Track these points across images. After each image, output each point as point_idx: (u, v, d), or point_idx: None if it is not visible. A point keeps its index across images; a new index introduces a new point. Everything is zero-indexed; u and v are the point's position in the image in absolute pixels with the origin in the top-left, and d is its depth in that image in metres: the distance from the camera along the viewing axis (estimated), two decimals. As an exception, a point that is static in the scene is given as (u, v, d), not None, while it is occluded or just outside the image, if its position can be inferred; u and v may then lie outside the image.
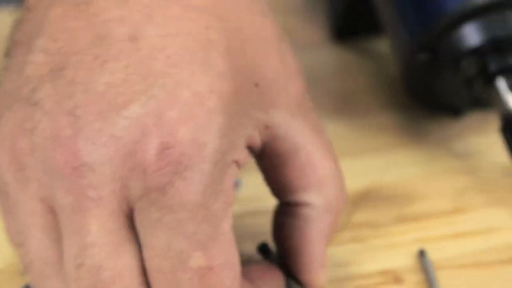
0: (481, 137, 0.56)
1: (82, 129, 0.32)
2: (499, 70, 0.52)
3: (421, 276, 0.45)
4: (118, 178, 0.32)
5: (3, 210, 0.35)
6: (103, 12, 0.33)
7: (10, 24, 0.37)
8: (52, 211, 0.33)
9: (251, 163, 0.53)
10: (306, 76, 0.58)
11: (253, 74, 0.35)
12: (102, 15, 0.33)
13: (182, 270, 0.32)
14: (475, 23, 0.52)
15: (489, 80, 0.52)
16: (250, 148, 0.36)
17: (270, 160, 0.38)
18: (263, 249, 0.42)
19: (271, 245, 0.42)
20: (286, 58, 0.38)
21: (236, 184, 0.50)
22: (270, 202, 0.49)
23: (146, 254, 0.33)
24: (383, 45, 0.62)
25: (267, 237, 0.47)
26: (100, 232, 0.32)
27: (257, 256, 0.43)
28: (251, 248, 0.46)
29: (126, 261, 0.33)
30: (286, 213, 0.39)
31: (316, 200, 0.38)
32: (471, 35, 0.52)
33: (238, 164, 0.34)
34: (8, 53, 0.35)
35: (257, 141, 0.36)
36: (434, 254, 0.46)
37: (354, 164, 0.53)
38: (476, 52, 0.52)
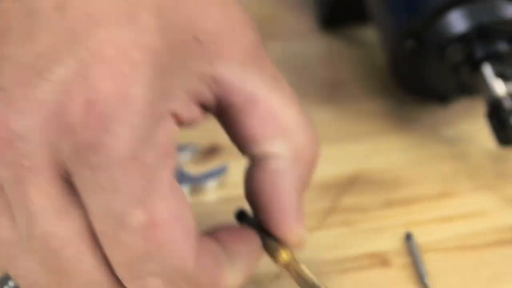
0: (468, 123, 0.56)
1: (10, 99, 0.31)
2: (485, 57, 0.52)
3: (408, 259, 0.45)
4: (48, 142, 0.31)
5: None
6: None
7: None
8: (1, 189, 0.33)
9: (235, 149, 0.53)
10: (294, 64, 0.59)
11: (190, 29, 0.34)
12: None
13: (124, 230, 0.31)
14: (461, 10, 0.52)
15: (475, 67, 0.53)
16: (203, 105, 0.35)
17: (228, 115, 0.36)
18: (240, 215, 0.41)
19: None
20: (231, 10, 0.36)
21: (222, 169, 0.50)
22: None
23: (90, 218, 0.32)
24: (370, 34, 0.62)
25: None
26: (41, 200, 0.32)
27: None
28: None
29: (73, 227, 0.32)
30: (254, 168, 0.37)
31: (281, 150, 0.36)
32: (457, 22, 0.52)
33: (178, 117, 0.33)
34: None
35: (207, 95, 0.35)
36: (421, 238, 0.47)
37: (342, 149, 0.54)
38: (462, 38, 0.53)
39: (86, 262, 0.33)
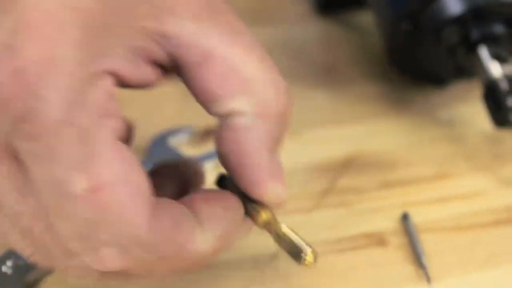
0: (464, 106, 0.57)
1: None
2: (480, 39, 0.52)
3: (404, 239, 0.46)
4: None
5: None
6: None
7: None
8: None
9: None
10: (291, 48, 0.59)
11: None
12: None
13: (68, 199, 0.30)
14: (456, -8, 0.53)
15: (471, 49, 0.53)
16: (158, 63, 0.34)
17: (186, 73, 0.34)
18: (220, 180, 0.39)
19: None
20: None
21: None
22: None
23: (39, 193, 0.31)
24: (366, 18, 0.62)
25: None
26: (2, 182, 0.31)
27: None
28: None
29: (31, 204, 0.32)
30: (221, 129, 0.35)
31: (245, 106, 0.34)
32: (453, 4, 0.53)
33: (120, 76, 0.32)
34: None
35: (159, 53, 0.33)
36: (418, 218, 0.47)
37: (339, 132, 0.54)
38: (458, 21, 0.53)
39: (48, 238, 0.32)
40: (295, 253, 0.35)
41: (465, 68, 0.55)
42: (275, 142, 0.35)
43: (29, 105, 0.29)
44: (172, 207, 0.33)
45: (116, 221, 0.31)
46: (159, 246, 0.32)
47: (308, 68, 0.60)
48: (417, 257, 0.44)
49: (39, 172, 0.30)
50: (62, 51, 0.30)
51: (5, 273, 0.41)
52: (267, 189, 0.35)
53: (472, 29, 0.52)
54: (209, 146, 0.51)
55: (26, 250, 0.33)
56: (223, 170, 0.49)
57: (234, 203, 0.36)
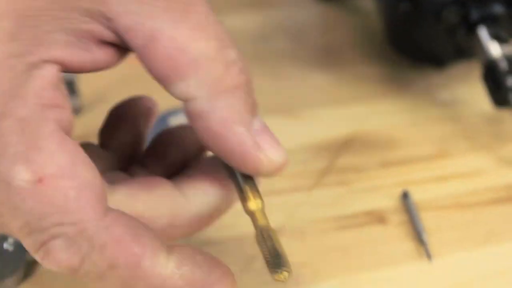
0: (464, 86, 0.57)
1: None
2: (480, 19, 0.53)
3: (404, 216, 0.46)
4: None
5: None
6: None
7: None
8: None
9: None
10: (291, 30, 0.59)
11: None
12: None
13: (13, 192, 0.30)
14: (456, -28, 0.53)
15: (471, 29, 0.53)
16: (109, 42, 0.33)
17: (139, 54, 0.33)
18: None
19: None
20: None
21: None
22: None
23: None
24: (365, 0, 0.62)
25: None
26: None
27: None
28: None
29: None
30: (186, 115, 0.34)
31: (197, 88, 0.32)
32: (453, -16, 0.53)
33: (61, 62, 0.31)
34: None
35: (105, 33, 0.32)
36: (418, 196, 0.47)
37: (338, 112, 0.54)
38: (458, 1, 0.53)
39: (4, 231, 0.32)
40: (273, 263, 0.33)
41: (464, 49, 0.55)
42: (245, 112, 0.33)
43: None
44: (132, 220, 0.32)
45: (61, 213, 0.30)
46: (108, 248, 0.31)
47: (308, 50, 0.60)
48: (417, 234, 0.44)
49: None
50: None
51: (6, 250, 0.42)
52: (258, 160, 0.34)
53: (472, 9, 0.53)
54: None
55: None
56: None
57: (216, 182, 0.36)
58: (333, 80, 0.57)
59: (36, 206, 0.30)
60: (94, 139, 0.37)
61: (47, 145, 0.30)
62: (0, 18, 0.30)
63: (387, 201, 0.47)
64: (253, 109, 0.34)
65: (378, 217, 0.46)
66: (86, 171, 0.31)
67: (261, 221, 0.34)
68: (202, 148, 0.38)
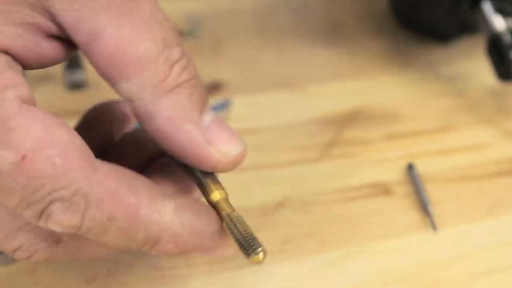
0: (468, 61, 0.57)
1: None
2: (484, -7, 0.53)
3: (409, 188, 0.46)
4: None
5: None
6: None
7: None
8: None
9: (242, 84, 0.54)
10: (295, 6, 0.59)
11: None
12: None
13: (1, 178, 0.30)
14: None
15: (475, 3, 0.53)
16: (59, 38, 0.33)
17: (83, 51, 0.33)
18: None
19: None
20: None
21: (225, 104, 0.51)
22: (260, 121, 0.51)
23: None
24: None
25: (258, 153, 0.48)
26: None
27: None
28: (243, 163, 0.47)
29: None
30: (136, 117, 0.34)
31: (141, 87, 0.32)
32: (457, -42, 0.53)
33: (11, 52, 0.31)
34: None
35: (52, 28, 0.32)
36: (422, 169, 0.47)
37: (343, 87, 0.54)
38: (462, -25, 0.53)
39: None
40: (246, 247, 0.33)
41: (468, 23, 0.55)
42: (192, 109, 0.33)
43: None
44: (124, 171, 0.33)
45: (52, 181, 0.30)
46: (104, 201, 0.31)
47: (312, 25, 0.60)
48: (422, 206, 0.44)
49: None
50: None
51: None
52: (210, 156, 0.34)
53: (476, -17, 0.53)
54: (216, 100, 0.52)
55: None
56: (231, 123, 0.50)
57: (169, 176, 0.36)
58: (338, 55, 0.57)
59: (27, 182, 0.30)
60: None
61: (18, 123, 0.30)
62: None
63: (392, 173, 0.47)
64: (201, 105, 0.34)
65: (383, 189, 0.46)
66: (64, 134, 0.31)
67: (226, 209, 0.34)
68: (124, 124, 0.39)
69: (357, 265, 0.41)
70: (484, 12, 0.52)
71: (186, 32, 0.59)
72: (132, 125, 0.40)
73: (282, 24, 0.61)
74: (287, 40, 0.59)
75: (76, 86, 0.53)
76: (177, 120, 0.33)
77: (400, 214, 0.44)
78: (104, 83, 0.39)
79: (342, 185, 0.46)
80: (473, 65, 0.56)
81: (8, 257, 0.40)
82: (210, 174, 0.35)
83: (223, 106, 0.50)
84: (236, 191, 0.45)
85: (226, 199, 0.35)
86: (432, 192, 0.46)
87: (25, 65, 0.32)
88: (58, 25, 0.32)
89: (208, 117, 0.34)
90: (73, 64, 0.52)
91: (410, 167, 0.47)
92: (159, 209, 0.33)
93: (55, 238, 0.34)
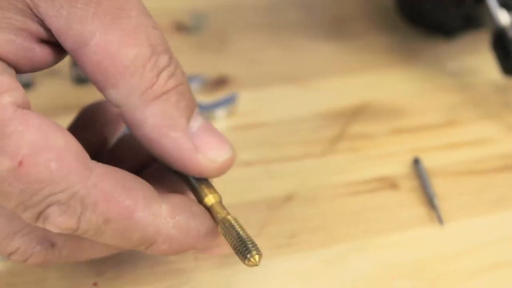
0: (473, 57, 0.57)
1: None
2: (489, -13, 0.53)
3: (415, 182, 0.46)
4: None
5: None
6: None
7: None
8: None
9: (247, 79, 0.54)
10: (301, 1, 0.59)
11: None
12: None
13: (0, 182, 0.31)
14: None
15: (480, -3, 0.53)
16: (51, 43, 0.33)
17: (73, 57, 0.33)
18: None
19: None
20: None
21: (231, 98, 0.51)
22: (266, 115, 0.51)
23: None
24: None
25: (264, 148, 0.48)
26: None
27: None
28: (249, 157, 0.47)
29: None
30: (124, 123, 0.34)
31: (128, 95, 0.32)
32: (462, -48, 0.53)
33: (0, 55, 0.31)
34: None
35: (43, 33, 0.32)
36: (429, 163, 0.47)
37: (348, 81, 0.55)
38: (467, -31, 0.53)
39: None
40: (242, 250, 0.33)
41: (473, 18, 0.55)
42: (178, 116, 0.33)
43: None
44: (120, 172, 0.33)
45: (49, 185, 0.31)
46: (99, 204, 0.32)
47: (317, 20, 0.60)
48: (429, 200, 0.45)
49: None
50: None
51: None
52: (197, 162, 0.34)
53: (480, -23, 0.53)
54: (222, 94, 0.52)
55: None
56: (235, 119, 0.51)
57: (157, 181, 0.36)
58: (343, 49, 0.58)
59: (24, 187, 0.31)
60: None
61: (14, 128, 0.30)
62: None
63: (399, 167, 0.47)
64: (188, 111, 0.34)
65: (390, 183, 0.46)
66: (58, 138, 0.31)
67: (220, 213, 0.34)
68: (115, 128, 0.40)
69: (364, 259, 0.41)
70: (489, 6, 0.52)
71: (191, 27, 0.59)
72: (124, 126, 0.40)
73: (287, 19, 0.61)
74: (293, 35, 0.59)
75: (82, 80, 0.53)
76: (163, 128, 0.33)
77: (407, 208, 0.44)
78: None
79: (348, 179, 0.46)
80: (478, 60, 0.56)
81: None
82: (203, 178, 0.35)
83: (229, 101, 0.50)
84: (243, 185, 0.45)
85: (220, 202, 0.35)
86: (438, 186, 0.46)
87: (18, 69, 0.32)
88: (48, 30, 0.32)
89: (196, 123, 0.34)
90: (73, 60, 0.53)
91: (416, 162, 0.47)
92: (155, 211, 0.33)
93: (50, 242, 0.34)
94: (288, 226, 0.43)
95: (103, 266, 0.39)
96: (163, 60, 0.33)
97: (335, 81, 0.55)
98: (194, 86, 0.52)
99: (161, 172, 0.37)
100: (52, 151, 0.31)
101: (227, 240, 0.34)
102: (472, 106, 0.53)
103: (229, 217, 0.34)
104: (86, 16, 0.32)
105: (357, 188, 0.46)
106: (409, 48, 0.58)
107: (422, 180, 0.46)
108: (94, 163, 0.32)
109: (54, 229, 0.32)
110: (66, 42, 0.32)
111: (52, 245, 0.34)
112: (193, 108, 0.34)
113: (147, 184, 0.34)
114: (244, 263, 0.33)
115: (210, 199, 0.35)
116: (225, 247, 0.36)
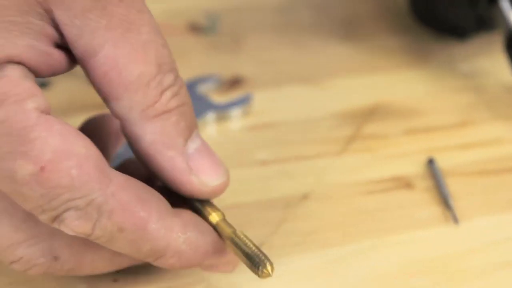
0: (486, 58, 0.57)
1: None
2: (502, -11, 0.53)
3: (430, 182, 0.46)
4: None
5: None
6: None
7: None
8: None
9: (261, 79, 0.54)
10: (313, 2, 0.59)
11: None
12: None
13: (20, 185, 0.31)
14: None
15: (493, 0, 0.53)
16: (66, 48, 0.33)
17: (81, 66, 0.34)
18: None
19: None
20: None
21: (246, 98, 0.51)
22: (280, 115, 0.51)
23: None
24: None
25: (279, 147, 0.48)
26: None
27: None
28: (265, 156, 0.47)
29: None
30: (124, 136, 0.35)
31: (129, 109, 0.33)
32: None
33: (21, 60, 0.31)
34: None
35: (58, 37, 0.33)
36: (443, 163, 0.48)
37: (361, 82, 0.55)
38: (480, -29, 0.53)
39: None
40: (253, 264, 0.34)
41: (486, 20, 0.55)
42: (176, 136, 0.34)
43: None
44: (137, 183, 0.34)
45: (68, 192, 0.31)
46: (115, 213, 0.32)
47: (331, 21, 0.61)
48: (444, 199, 0.45)
49: None
50: None
51: None
52: (190, 184, 0.35)
53: (494, -21, 0.53)
54: (237, 94, 0.52)
55: None
56: (250, 119, 0.51)
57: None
58: (356, 50, 0.58)
59: (45, 191, 0.31)
60: (103, 110, 0.38)
61: (38, 134, 0.31)
62: None
63: (413, 167, 0.48)
64: (187, 132, 0.34)
65: (404, 183, 0.46)
66: (80, 145, 0.32)
67: (226, 230, 0.35)
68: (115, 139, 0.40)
69: (380, 257, 0.41)
70: (502, 8, 0.53)
71: (206, 28, 0.59)
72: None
73: (301, 19, 0.61)
74: (306, 36, 0.59)
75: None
76: (160, 145, 0.34)
77: (422, 208, 0.45)
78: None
79: (364, 178, 0.47)
80: (491, 61, 0.57)
81: None
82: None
83: (243, 101, 0.51)
84: (260, 184, 0.45)
85: (224, 219, 0.36)
86: (453, 186, 0.46)
87: (37, 74, 0.33)
88: (62, 35, 0.33)
89: (194, 144, 0.35)
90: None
91: (431, 162, 0.47)
92: (167, 225, 0.34)
93: (54, 255, 0.35)
94: (305, 224, 0.43)
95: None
96: (169, 79, 0.34)
97: (348, 82, 0.55)
98: (209, 86, 0.53)
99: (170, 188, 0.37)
100: (74, 158, 0.31)
101: (237, 255, 0.35)
102: (484, 107, 0.53)
103: (237, 232, 0.35)
104: (98, 28, 0.32)
105: (373, 187, 0.46)
106: (422, 49, 0.58)
107: (437, 180, 0.46)
108: (113, 172, 0.33)
109: (69, 232, 0.33)
110: (76, 50, 0.33)
111: (56, 258, 0.35)
112: (193, 129, 0.35)
113: (162, 197, 0.35)
114: (257, 275, 0.34)
115: (214, 217, 0.36)
116: (230, 266, 0.37)
